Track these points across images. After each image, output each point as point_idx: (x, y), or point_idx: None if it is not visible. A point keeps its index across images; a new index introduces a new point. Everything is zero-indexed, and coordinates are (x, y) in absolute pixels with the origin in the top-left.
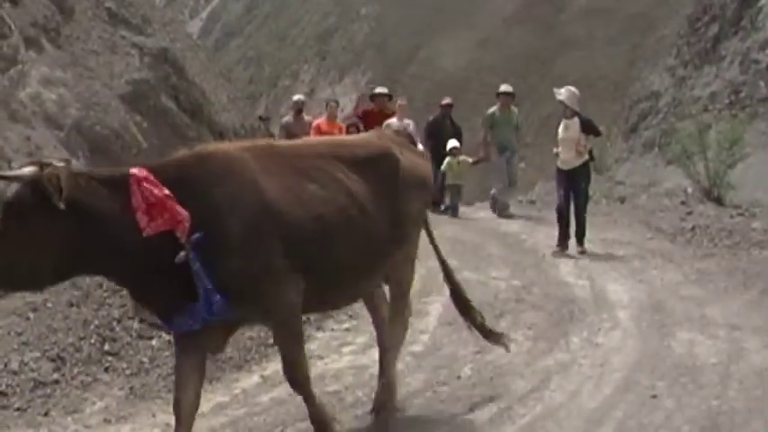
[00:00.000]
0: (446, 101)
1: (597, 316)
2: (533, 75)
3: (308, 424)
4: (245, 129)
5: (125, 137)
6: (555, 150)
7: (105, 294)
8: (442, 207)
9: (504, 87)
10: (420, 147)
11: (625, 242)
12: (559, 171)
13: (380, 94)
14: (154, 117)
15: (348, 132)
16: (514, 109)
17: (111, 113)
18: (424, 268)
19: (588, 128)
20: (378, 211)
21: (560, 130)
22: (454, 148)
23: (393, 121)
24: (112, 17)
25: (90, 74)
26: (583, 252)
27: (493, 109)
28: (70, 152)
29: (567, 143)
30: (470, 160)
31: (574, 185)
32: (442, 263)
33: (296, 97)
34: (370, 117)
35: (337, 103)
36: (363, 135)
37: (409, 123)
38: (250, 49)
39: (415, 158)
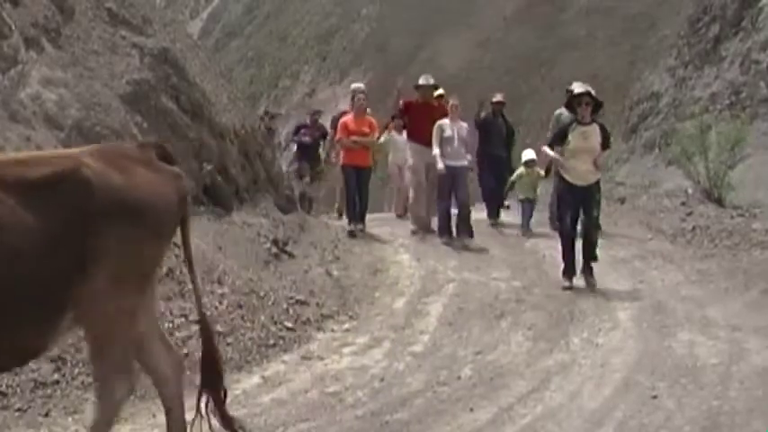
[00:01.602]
0: (497, 98)
1: (597, 316)
2: (534, 75)
3: (308, 424)
4: (246, 129)
5: (125, 137)
6: (563, 163)
7: None
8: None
9: (576, 86)
10: (468, 157)
11: (625, 243)
12: (571, 188)
13: (426, 86)
14: (154, 117)
15: (393, 123)
16: None
17: (111, 114)
18: (424, 269)
19: (607, 138)
20: (43, 249)
21: (574, 138)
22: (531, 160)
23: (446, 122)
24: (113, 17)
25: (90, 74)
26: (592, 285)
27: (561, 110)
28: None
29: (584, 155)
30: (542, 172)
31: (586, 204)
32: (197, 297)
33: (354, 86)
34: (414, 109)
35: (365, 94)
36: (60, 152)
37: (464, 126)
38: (250, 49)
39: (143, 182)
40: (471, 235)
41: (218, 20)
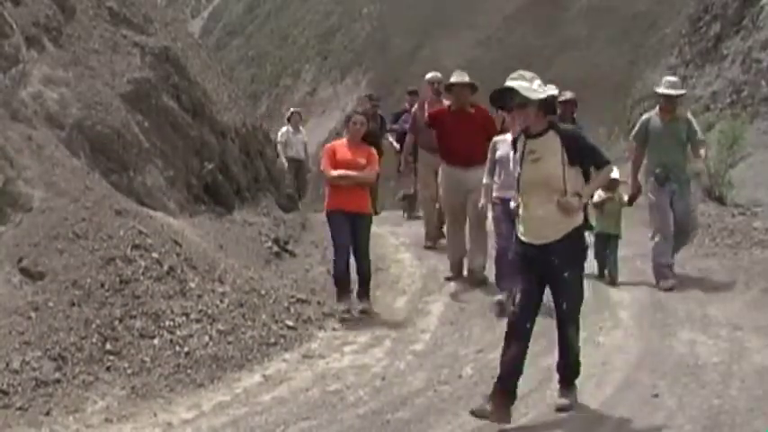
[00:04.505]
0: (566, 96)
1: (598, 315)
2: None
3: (309, 423)
4: (247, 128)
5: (126, 136)
6: (513, 204)
7: (107, 293)
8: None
9: (665, 84)
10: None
11: (626, 241)
12: (521, 248)
13: (460, 84)
14: (155, 116)
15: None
16: (688, 116)
17: (112, 113)
18: (425, 267)
19: (583, 154)
20: None
21: (515, 159)
22: (612, 180)
23: (504, 137)
24: (114, 16)
25: (91, 73)
26: (564, 408)
27: (649, 114)
28: (72, 152)
29: (538, 191)
30: (626, 197)
31: (552, 283)
32: None
33: (429, 75)
34: (445, 120)
35: (366, 115)
36: None
37: None
38: (251, 48)
39: None
40: None
41: (219, 19)
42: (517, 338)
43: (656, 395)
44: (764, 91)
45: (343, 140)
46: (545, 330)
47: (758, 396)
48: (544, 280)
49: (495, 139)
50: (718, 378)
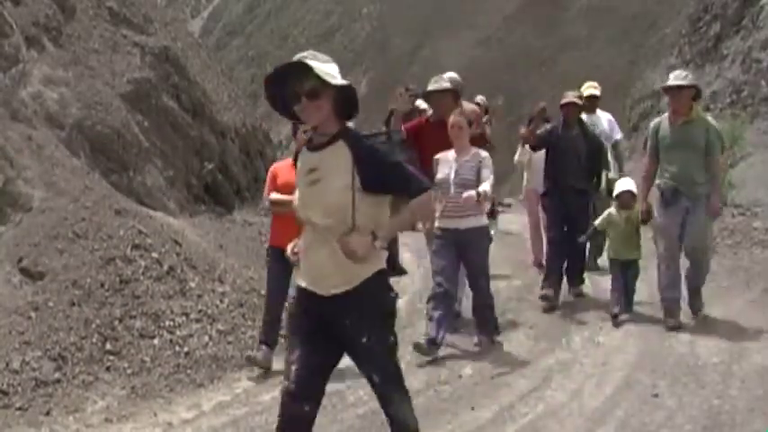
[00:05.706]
0: (568, 98)
1: (599, 315)
2: (534, 74)
3: None
4: (247, 128)
5: (126, 136)
6: (291, 246)
7: (107, 293)
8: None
9: (673, 77)
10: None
11: None
12: (300, 298)
13: (439, 91)
14: (155, 116)
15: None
16: (707, 118)
17: (112, 113)
18: (424, 267)
19: (383, 177)
20: None
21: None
22: (626, 192)
23: (446, 154)
24: (114, 16)
25: (91, 73)
26: None
27: (660, 118)
28: (72, 152)
29: (314, 220)
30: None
31: (348, 347)
32: None
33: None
34: (426, 134)
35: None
36: None
37: (481, 156)
38: (251, 48)
39: None
40: (495, 330)
41: (219, 19)
42: (294, 428)
43: (656, 395)
44: (764, 91)
45: (290, 160)
46: (546, 331)
47: (758, 396)
48: (339, 342)
49: (436, 157)
50: (718, 378)
